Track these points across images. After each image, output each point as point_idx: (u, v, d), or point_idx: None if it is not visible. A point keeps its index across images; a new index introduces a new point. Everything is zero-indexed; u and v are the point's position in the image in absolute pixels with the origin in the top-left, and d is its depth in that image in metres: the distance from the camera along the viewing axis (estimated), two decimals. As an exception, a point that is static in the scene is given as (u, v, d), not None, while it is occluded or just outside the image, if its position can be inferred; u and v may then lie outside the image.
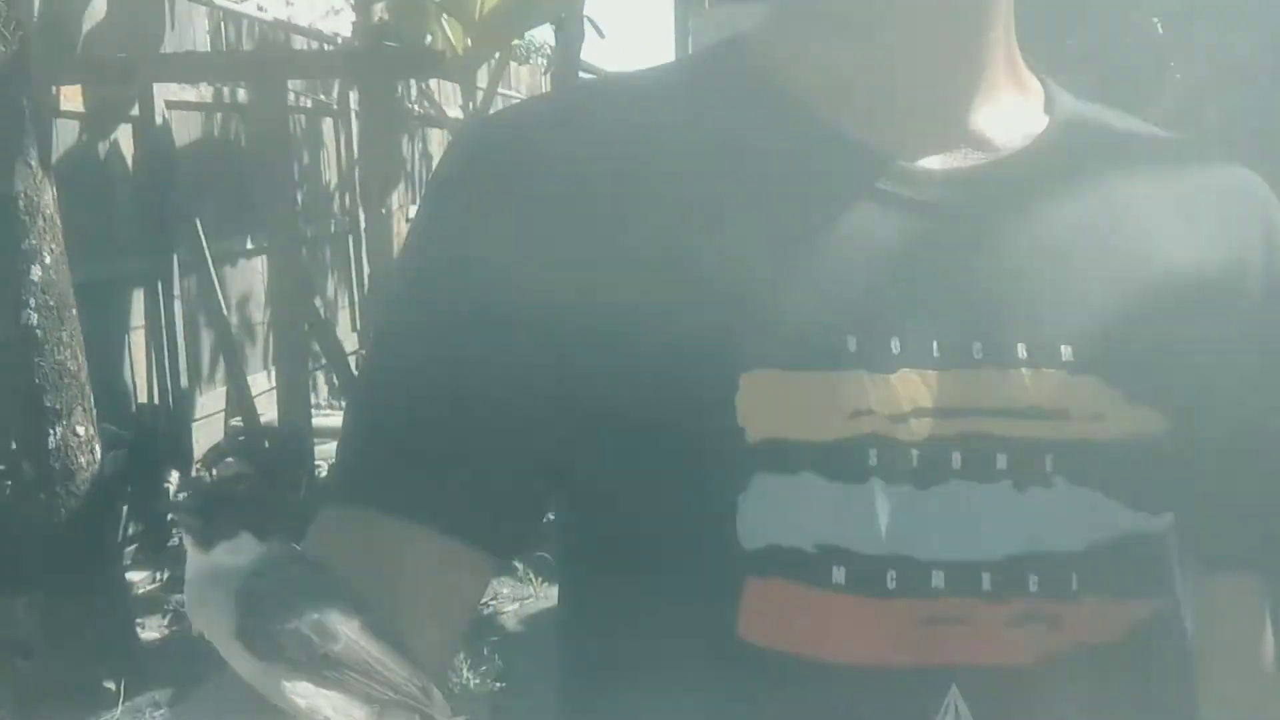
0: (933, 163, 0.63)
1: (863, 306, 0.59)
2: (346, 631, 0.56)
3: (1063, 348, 0.60)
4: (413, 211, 2.88)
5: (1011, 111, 0.66)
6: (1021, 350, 0.60)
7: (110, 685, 3.14)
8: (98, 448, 3.27)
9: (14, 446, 3.25)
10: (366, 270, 6.41)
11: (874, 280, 0.60)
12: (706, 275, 0.59)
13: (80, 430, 3.17)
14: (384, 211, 4.96)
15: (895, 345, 0.59)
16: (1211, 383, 0.63)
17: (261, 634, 0.53)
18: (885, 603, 0.57)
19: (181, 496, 3.99)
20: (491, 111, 0.84)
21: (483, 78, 4.82)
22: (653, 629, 0.61)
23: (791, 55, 0.65)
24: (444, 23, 4.14)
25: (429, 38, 4.36)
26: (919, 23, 0.62)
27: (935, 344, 0.59)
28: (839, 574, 0.57)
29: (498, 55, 4.49)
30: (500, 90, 5.20)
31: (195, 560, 0.55)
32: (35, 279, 3.07)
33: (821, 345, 0.58)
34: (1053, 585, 0.58)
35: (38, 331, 3.08)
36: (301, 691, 0.55)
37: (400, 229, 5.11)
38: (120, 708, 3.10)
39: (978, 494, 0.58)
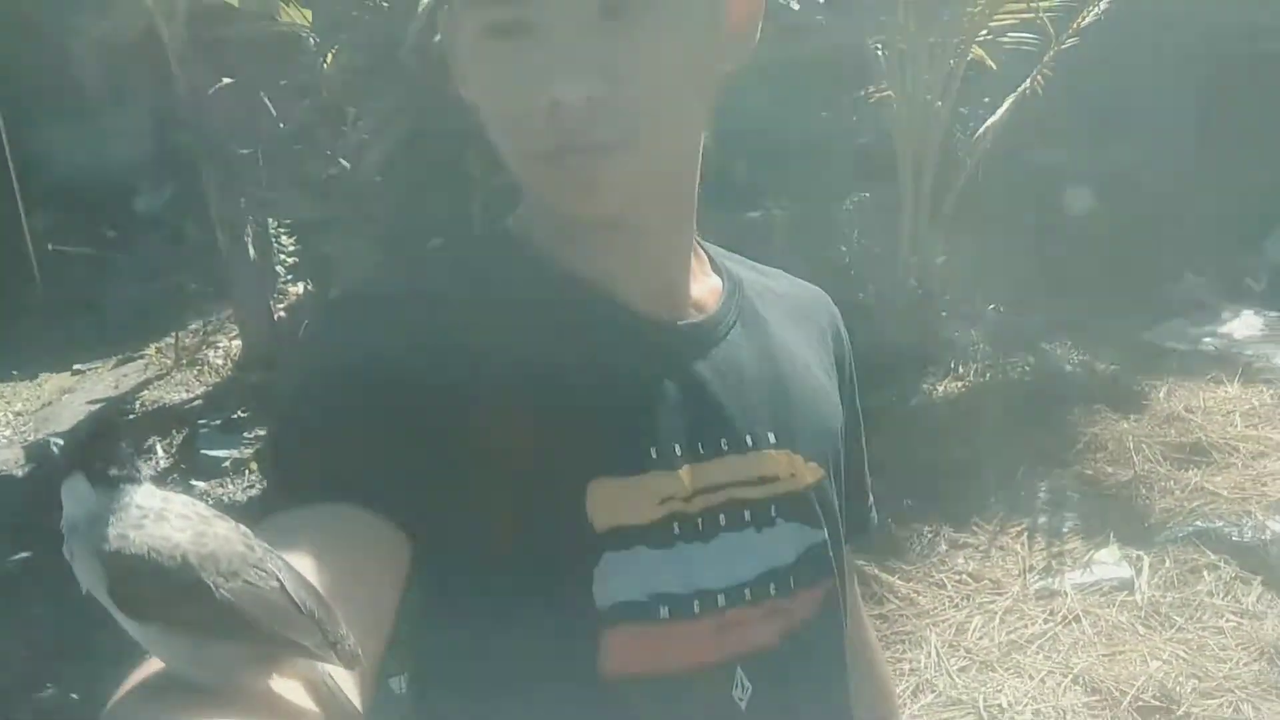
0: (677, 323, 0.90)
1: (655, 426, 0.85)
2: (245, 574, 0.55)
3: (768, 434, 0.90)
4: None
5: (701, 278, 0.94)
6: (749, 440, 0.89)
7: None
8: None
9: None
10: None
11: (658, 406, 0.86)
12: (553, 412, 0.81)
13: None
14: None
15: (677, 449, 0.85)
16: (834, 438, 0.98)
17: (133, 596, 0.53)
18: (694, 623, 0.83)
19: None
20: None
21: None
22: (524, 678, 0.80)
23: (558, 243, 0.88)
24: None
25: None
26: (649, 231, 0.88)
27: (699, 444, 0.87)
28: (664, 611, 0.82)
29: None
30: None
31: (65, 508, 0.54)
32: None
33: (634, 457, 0.83)
34: (783, 588, 0.88)
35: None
36: (178, 648, 0.55)
37: None
38: None
39: (736, 539, 0.86)
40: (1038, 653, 3.41)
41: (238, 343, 6.62)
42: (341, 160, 4.96)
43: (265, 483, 0.89)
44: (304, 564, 0.62)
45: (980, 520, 4.24)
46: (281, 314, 6.71)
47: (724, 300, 0.93)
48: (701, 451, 0.86)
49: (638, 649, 0.80)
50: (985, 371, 5.76)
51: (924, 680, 3.33)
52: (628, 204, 0.82)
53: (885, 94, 6.03)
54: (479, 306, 0.83)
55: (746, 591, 0.85)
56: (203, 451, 5.19)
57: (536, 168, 0.81)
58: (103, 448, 0.54)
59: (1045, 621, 3.56)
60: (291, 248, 6.74)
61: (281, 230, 6.75)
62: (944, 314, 6.14)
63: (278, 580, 0.56)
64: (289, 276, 6.93)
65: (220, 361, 6.57)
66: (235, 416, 5.56)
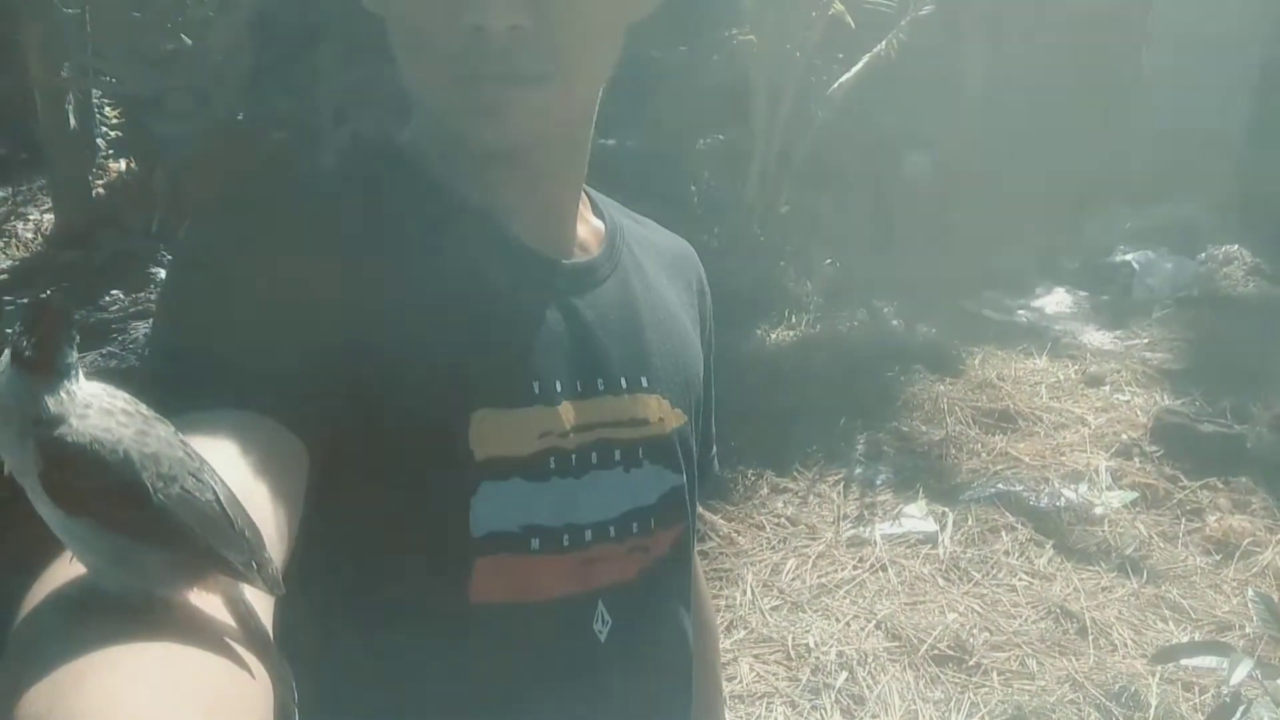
0: (564, 260, 0.91)
1: (538, 362, 0.85)
2: (183, 480, 0.52)
3: (641, 378, 0.92)
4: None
5: (587, 220, 0.96)
6: (623, 382, 0.90)
7: None
8: None
9: None
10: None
11: (542, 342, 0.86)
12: (441, 339, 0.81)
13: None
14: None
15: (558, 386, 0.86)
16: (696, 385, 1.00)
17: (66, 487, 0.49)
18: (562, 556, 0.84)
19: None
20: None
21: None
22: (399, 599, 0.81)
23: (453, 172, 0.87)
24: None
25: None
26: (547, 168, 0.89)
27: (578, 383, 0.87)
28: (535, 543, 0.83)
29: None
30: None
31: None
32: None
33: (519, 390, 0.84)
34: (644, 526, 0.90)
35: None
36: (104, 549, 0.51)
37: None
38: None
39: (605, 478, 0.88)
40: (845, 597, 3.56)
41: (50, 216, 6.22)
42: (183, 36, 4.68)
43: (153, 382, 0.82)
44: (221, 469, 0.59)
45: (801, 467, 4.39)
46: (100, 191, 6.32)
47: (605, 244, 0.95)
48: (580, 390, 0.87)
49: (507, 578, 0.81)
50: (816, 323, 5.93)
51: (738, 617, 3.44)
52: (533, 138, 0.82)
53: (748, 37, 6.06)
54: (372, 225, 0.82)
55: (611, 529, 0.87)
56: (6, 330, 4.88)
57: (446, 91, 0.80)
58: (43, 332, 0.49)
59: (854, 568, 3.72)
60: (115, 121, 6.35)
61: (106, 101, 6.35)
62: (782, 264, 6.27)
63: (213, 492, 0.53)
64: (110, 152, 6.54)
65: (30, 235, 6.16)
66: (44, 295, 5.24)
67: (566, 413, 0.85)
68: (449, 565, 0.80)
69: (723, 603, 3.50)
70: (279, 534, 0.66)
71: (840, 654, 3.27)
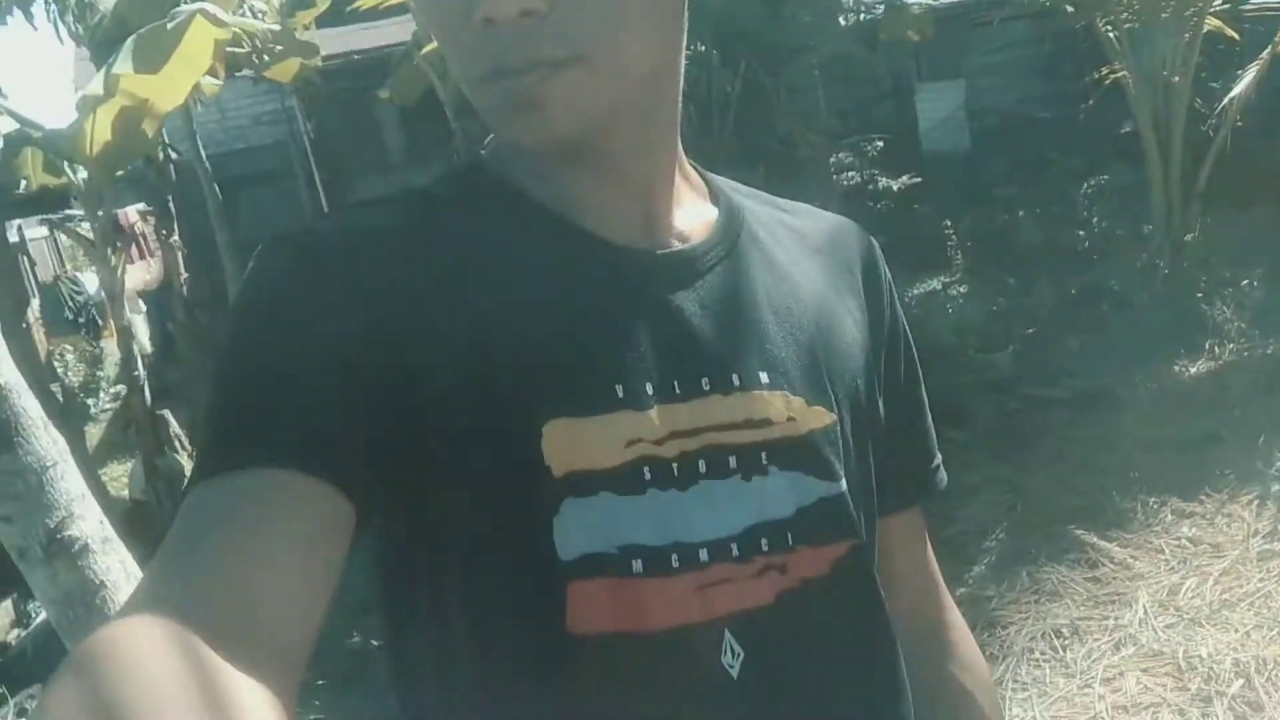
0: (655, 252, 0.81)
1: (623, 362, 0.76)
2: None
3: (760, 374, 0.80)
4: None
5: (692, 208, 0.86)
6: (735, 380, 0.79)
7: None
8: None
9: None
10: None
11: (627, 340, 0.77)
12: (506, 352, 0.73)
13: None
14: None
15: (649, 388, 0.76)
16: (856, 381, 0.86)
17: None
18: (673, 579, 0.74)
19: None
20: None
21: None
22: (495, 639, 0.74)
23: (537, 176, 0.81)
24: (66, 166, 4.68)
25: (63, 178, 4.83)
26: (619, 157, 0.80)
27: (675, 383, 0.77)
28: (638, 565, 0.73)
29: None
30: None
31: None
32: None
33: (598, 395, 0.74)
34: (777, 543, 0.78)
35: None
36: None
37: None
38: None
39: (719, 488, 0.77)
40: (1248, 609, 3.39)
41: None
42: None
43: (200, 437, 0.71)
44: (233, 548, 0.60)
45: (1210, 490, 4.19)
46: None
47: (715, 229, 0.85)
48: (678, 390, 0.77)
49: (609, 605, 0.73)
50: (1243, 350, 5.58)
51: (1126, 635, 3.39)
52: (579, 128, 0.75)
53: (1120, 74, 5.98)
54: (436, 242, 0.77)
55: (734, 547, 0.76)
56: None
57: (477, 92, 0.75)
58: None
59: (1260, 580, 3.52)
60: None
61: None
62: (1199, 294, 5.97)
63: None
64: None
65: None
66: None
67: (662, 417, 0.76)
68: (540, 594, 0.73)
69: (1110, 623, 3.47)
70: (300, 610, 0.61)
71: (1236, 662, 3.14)
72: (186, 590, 0.57)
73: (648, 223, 0.82)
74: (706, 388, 0.78)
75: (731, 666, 0.75)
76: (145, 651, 0.50)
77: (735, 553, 0.76)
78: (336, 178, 10.22)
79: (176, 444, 5.43)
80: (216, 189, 8.58)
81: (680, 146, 0.86)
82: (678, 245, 0.83)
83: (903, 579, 0.96)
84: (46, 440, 1.84)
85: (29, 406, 1.84)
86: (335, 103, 9.69)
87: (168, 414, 5.18)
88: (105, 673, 0.48)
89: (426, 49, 5.98)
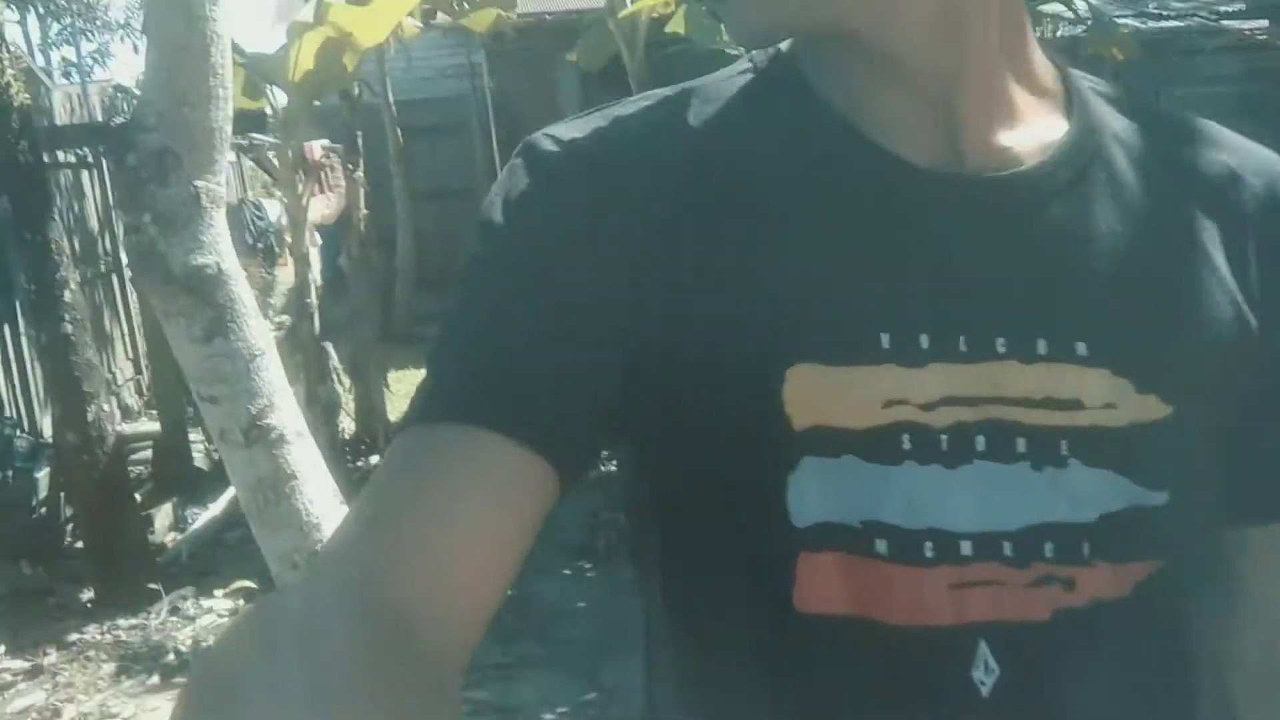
0: (958, 175, 0.67)
1: (895, 306, 0.64)
2: None
3: (1077, 344, 0.65)
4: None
5: (1029, 122, 0.69)
6: (1041, 346, 0.65)
7: (154, 586, 4.33)
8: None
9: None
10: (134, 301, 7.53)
11: (905, 281, 0.65)
12: (758, 277, 0.64)
13: (105, 407, 4.35)
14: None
15: (925, 341, 0.64)
16: (1214, 368, 0.68)
17: None
18: (923, 570, 0.64)
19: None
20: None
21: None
22: (723, 609, 0.68)
23: (828, 74, 0.70)
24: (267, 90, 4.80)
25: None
26: (896, 54, 0.66)
27: (962, 339, 0.64)
28: (881, 545, 0.64)
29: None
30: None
31: None
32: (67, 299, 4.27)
33: (858, 342, 0.64)
34: (1067, 552, 0.65)
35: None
36: None
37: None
38: (165, 600, 4.28)
39: (999, 473, 0.64)
40: None
41: None
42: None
43: (423, 384, 0.68)
44: (429, 508, 0.59)
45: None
46: None
47: (1055, 152, 0.69)
48: (963, 349, 0.65)
49: (844, 585, 0.64)
50: None
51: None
52: (786, 25, 0.68)
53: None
54: (703, 149, 0.69)
55: (1006, 545, 0.65)
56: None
57: None
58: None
59: None
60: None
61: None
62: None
63: None
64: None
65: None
66: None
67: (936, 377, 0.64)
68: (768, 561, 0.65)
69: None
70: (486, 574, 0.60)
71: None
72: (378, 553, 0.57)
73: (950, 137, 0.68)
74: (1002, 350, 0.65)
75: (982, 683, 0.65)
76: (319, 628, 0.50)
77: (1007, 552, 0.65)
78: (513, 136, 10.39)
79: (335, 377, 5.59)
80: (399, 134, 8.81)
81: (1025, 42, 0.70)
82: (995, 170, 0.68)
83: (1260, 604, 0.74)
84: (256, 329, 1.89)
85: (243, 294, 1.90)
86: (519, 62, 9.82)
87: (329, 347, 5.34)
88: (277, 641, 0.49)
89: (622, 13, 5.98)
